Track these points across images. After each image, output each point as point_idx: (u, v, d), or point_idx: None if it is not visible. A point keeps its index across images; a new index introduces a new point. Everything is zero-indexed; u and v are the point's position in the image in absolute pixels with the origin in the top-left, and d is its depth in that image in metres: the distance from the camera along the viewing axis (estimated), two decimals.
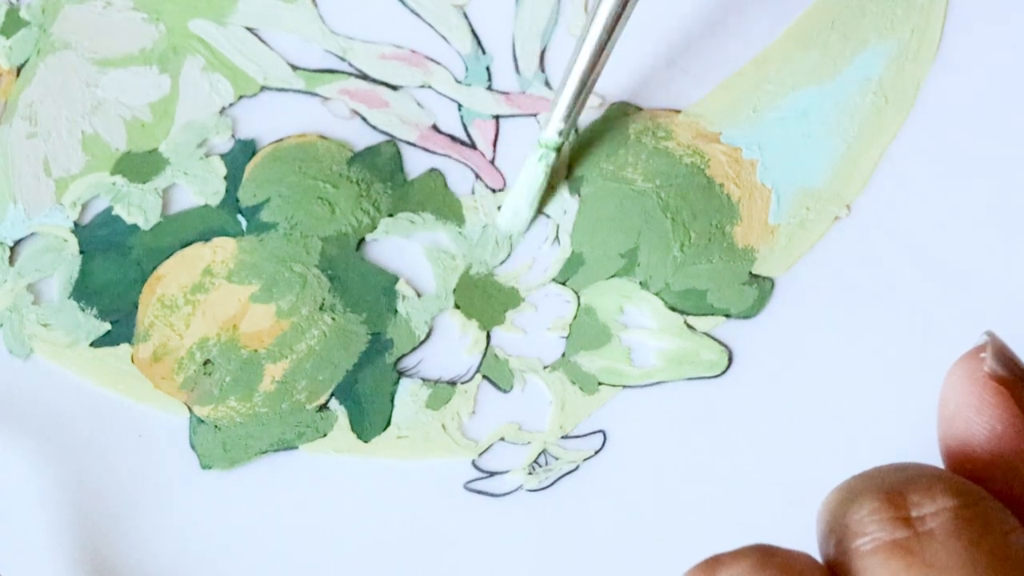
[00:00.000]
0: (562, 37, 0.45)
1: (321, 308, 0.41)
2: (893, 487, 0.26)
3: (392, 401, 0.41)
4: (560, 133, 0.42)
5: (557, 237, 0.43)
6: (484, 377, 0.41)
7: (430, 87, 0.44)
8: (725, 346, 0.41)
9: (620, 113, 0.44)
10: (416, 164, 0.43)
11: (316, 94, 0.44)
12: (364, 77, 0.44)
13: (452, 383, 0.41)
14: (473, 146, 0.44)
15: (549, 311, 0.42)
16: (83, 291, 0.42)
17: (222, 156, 0.43)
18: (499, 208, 0.43)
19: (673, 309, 0.42)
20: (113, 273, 0.42)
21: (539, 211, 0.43)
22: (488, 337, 0.42)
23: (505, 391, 0.41)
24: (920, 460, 0.27)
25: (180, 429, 0.41)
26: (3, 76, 0.44)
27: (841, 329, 0.41)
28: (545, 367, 0.41)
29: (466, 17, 0.45)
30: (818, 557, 0.27)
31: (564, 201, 0.43)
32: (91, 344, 0.41)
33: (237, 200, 0.43)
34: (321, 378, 0.41)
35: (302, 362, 0.41)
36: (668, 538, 0.39)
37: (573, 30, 0.45)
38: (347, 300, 0.42)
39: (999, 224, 0.42)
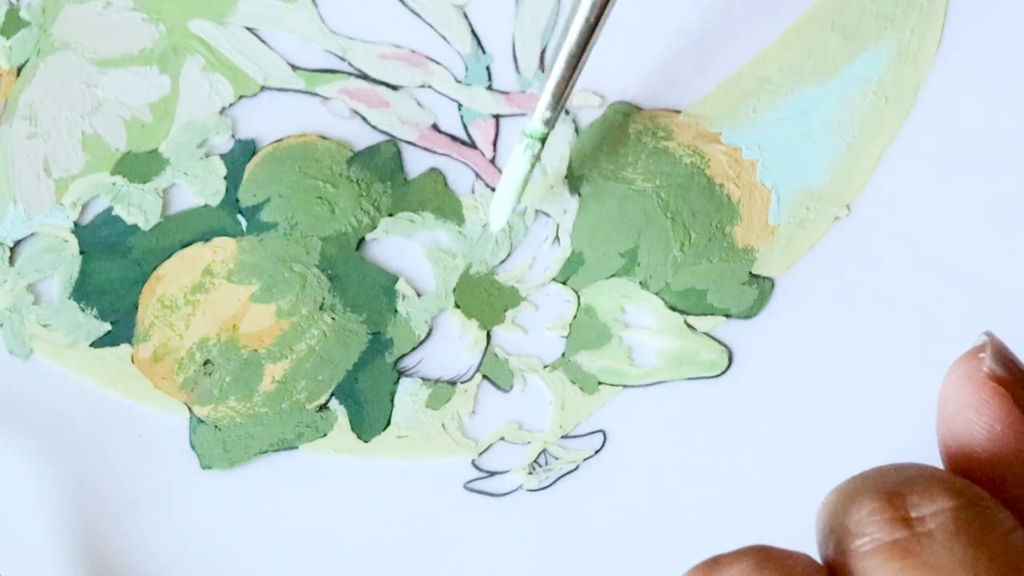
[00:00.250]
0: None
1: (321, 308, 0.41)
2: (892, 487, 0.26)
3: (392, 401, 0.41)
4: (545, 122, 0.41)
5: (557, 237, 0.43)
6: (484, 377, 0.41)
7: (430, 87, 0.44)
8: (725, 346, 0.41)
9: (620, 113, 0.44)
10: (416, 164, 0.43)
11: (316, 94, 0.44)
12: (364, 77, 0.44)
13: (452, 383, 0.41)
14: (473, 146, 0.44)
15: (549, 311, 0.42)
16: (83, 291, 0.42)
17: (222, 156, 0.43)
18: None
19: (673, 309, 0.42)
20: (113, 273, 0.42)
21: (520, 203, 0.42)
22: (488, 337, 0.42)
23: (505, 391, 0.41)
24: (920, 460, 0.27)
25: (180, 429, 0.41)
26: (3, 76, 0.44)
27: (841, 329, 0.41)
28: (545, 367, 0.41)
29: (466, 17, 0.45)
30: (817, 558, 0.27)
31: (564, 201, 0.43)
32: (91, 344, 0.41)
33: (237, 200, 0.43)
34: (321, 378, 0.41)
35: (302, 362, 0.41)
36: (668, 538, 0.39)
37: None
38: (347, 300, 0.42)
39: (999, 224, 0.42)
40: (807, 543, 0.27)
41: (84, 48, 0.44)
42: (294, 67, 0.44)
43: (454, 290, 0.42)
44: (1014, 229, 0.42)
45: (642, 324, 0.42)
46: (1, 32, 0.44)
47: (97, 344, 0.41)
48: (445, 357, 0.41)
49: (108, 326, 0.42)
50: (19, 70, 0.44)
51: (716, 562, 0.26)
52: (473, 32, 0.45)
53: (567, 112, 0.43)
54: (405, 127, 0.44)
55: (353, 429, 0.41)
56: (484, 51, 0.45)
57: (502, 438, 0.41)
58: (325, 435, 0.41)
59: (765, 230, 0.43)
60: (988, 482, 0.27)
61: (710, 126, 0.44)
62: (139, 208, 0.43)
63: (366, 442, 0.41)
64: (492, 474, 0.40)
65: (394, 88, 0.44)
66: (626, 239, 0.42)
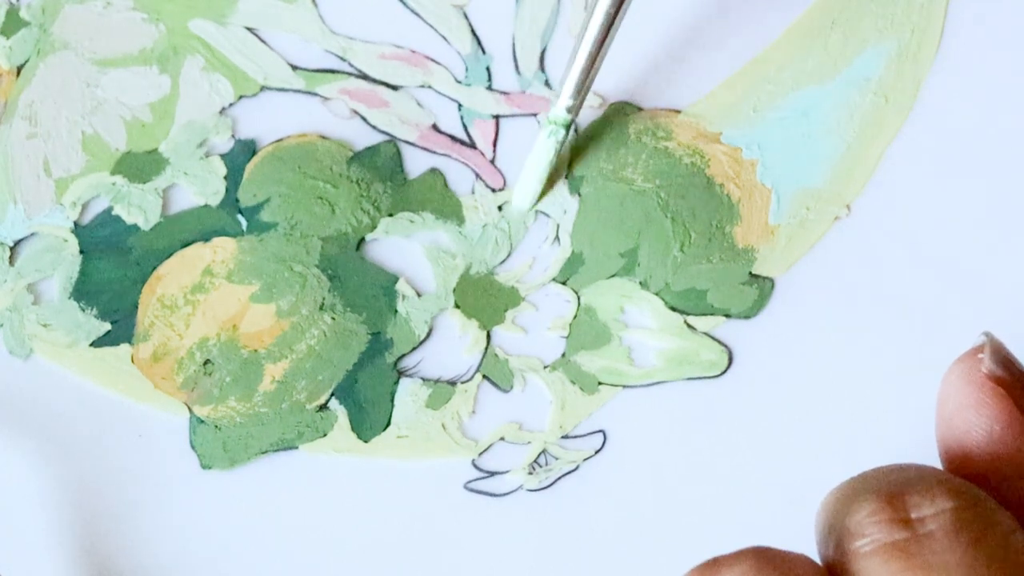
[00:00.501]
0: (562, 37, 0.45)
1: (321, 308, 0.41)
2: (892, 488, 0.26)
3: (392, 401, 0.41)
4: (569, 109, 0.42)
5: (557, 237, 0.43)
6: (484, 377, 0.41)
7: (430, 87, 0.44)
8: (725, 346, 0.41)
9: (620, 113, 0.44)
10: (416, 164, 0.43)
11: (316, 94, 0.44)
12: (364, 77, 0.44)
13: (452, 383, 0.41)
14: (473, 146, 0.44)
15: (549, 311, 0.42)
16: (83, 291, 0.42)
17: (222, 156, 0.43)
18: (500, 208, 0.43)
19: (673, 309, 0.42)
20: (113, 273, 0.42)
21: (548, 190, 0.43)
22: (488, 337, 0.42)
23: (505, 391, 0.41)
24: (920, 460, 0.27)
25: (180, 429, 0.41)
26: (3, 76, 0.44)
27: (841, 329, 0.41)
28: (545, 367, 0.41)
29: (466, 17, 0.45)
30: (817, 559, 0.27)
31: (564, 201, 0.43)
32: (91, 344, 0.41)
33: (237, 200, 0.43)
34: (321, 378, 0.41)
35: (302, 362, 0.41)
36: (668, 538, 0.39)
37: (573, 30, 0.45)
38: (347, 300, 0.42)
39: (999, 224, 0.42)
40: (807, 543, 0.27)
41: (84, 48, 0.44)
42: (294, 67, 0.44)
43: (454, 290, 0.42)
44: (1014, 229, 0.42)
45: (642, 324, 0.42)
46: (1, 32, 0.44)
47: (97, 344, 0.41)
48: (445, 357, 0.41)
49: (108, 326, 0.42)
50: (19, 70, 0.44)
51: (716, 563, 0.26)
52: (473, 32, 0.45)
53: None
54: (405, 127, 0.44)
55: (353, 429, 0.41)
56: (484, 51, 0.45)
57: (502, 438, 0.41)
58: (325, 435, 0.41)
59: (765, 230, 0.43)
60: (987, 483, 0.27)
61: (710, 126, 0.44)
62: (139, 208, 0.43)
63: (366, 442, 0.41)
64: (492, 474, 0.40)
65: (394, 88, 0.44)
66: (626, 239, 0.42)
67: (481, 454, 0.40)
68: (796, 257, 0.42)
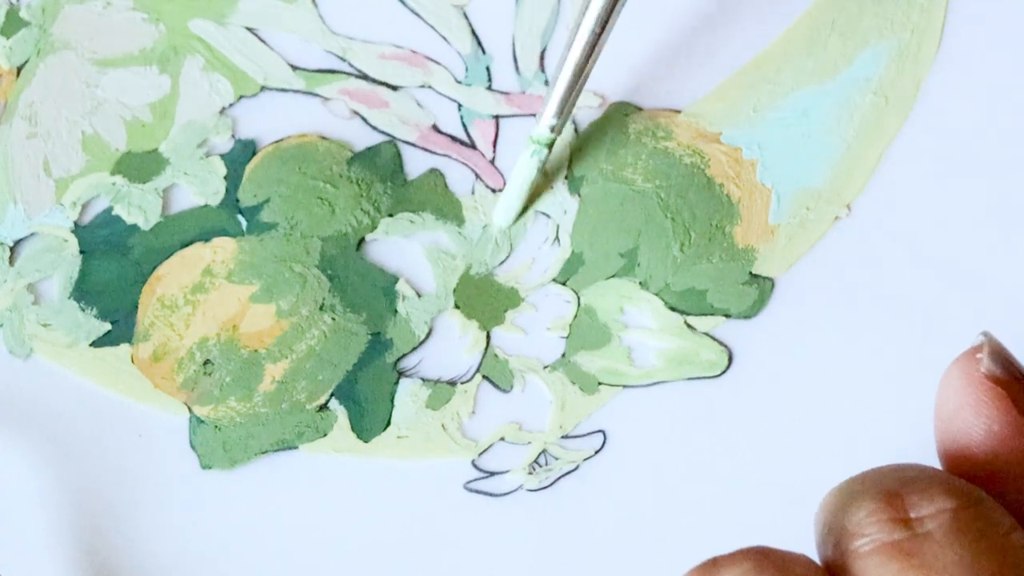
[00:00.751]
0: (562, 37, 0.45)
1: (321, 308, 0.41)
2: (891, 488, 0.26)
3: (392, 401, 0.41)
4: (552, 128, 0.42)
5: (557, 237, 0.43)
6: (484, 377, 0.41)
7: (430, 87, 0.44)
8: (725, 346, 0.41)
9: (620, 113, 0.44)
10: (416, 164, 0.43)
11: (316, 94, 0.44)
12: (364, 77, 0.44)
13: (452, 383, 0.41)
14: (473, 146, 0.44)
15: (549, 311, 0.42)
16: (83, 291, 0.42)
17: (222, 156, 0.43)
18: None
19: (673, 309, 0.42)
20: (113, 273, 0.42)
21: (529, 207, 0.43)
22: (488, 337, 0.42)
23: (505, 391, 0.41)
24: (919, 460, 0.27)
25: (180, 429, 0.41)
26: (3, 76, 0.44)
27: (841, 329, 0.41)
28: (545, 367, 0.41)
29: (466, 17, 0.45)
30: (817, 559, 0.27)
31: (564, 201, 0.43)
32: (91, 344, 0.41)
33: (237, 200, 0.43)
34: (321, 378, 0.41)
35: (302, 362, 0.41)
36: (668, 538, 0.39)
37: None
38: (347, 300, 0.42)
39: (999, 224, 0.42)
40: (807, 543, 0.27)
41: (84, 48, 0.44)
42: (294, 67, 0.44)
43: (454, 290, 0.42)
44: (1014, 229, 0.42)
45: (642, 324, 0.42)
46: (1, 32, 0.44)
47: (97, 344, 0.41)
48: (445, 357, 0.41)
49: (108, 326, 0.42)
50: (19, 70, 0.44)
51: (715, 563, 0.26)
52: (473, 32, 0.45)
53: None
54: (405, 127, 0.44)
55: (353, 429, 0.41)
56: (484, 51, 0.45)
57: (502, 438, 0.41)
58: (325, 435, 0.41)
59: (765, 230, 0.43)
60: (986, 482, 0.27)
61: (710, 126, 0.44)
62: (139, 208, 0.43)
63: (366, 442, 0.41)
64: (492, 474, 0.40)
65: (394, 88, 0.44)
66: (626, 239, 0.42)
67: (481, 454, 0.40)
68: (796, 257, 0.42)
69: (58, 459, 0.40)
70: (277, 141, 0.44)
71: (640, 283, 0.42)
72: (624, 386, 0.41)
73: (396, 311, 0.42)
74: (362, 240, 0.42)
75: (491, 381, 0.41)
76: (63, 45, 0.44)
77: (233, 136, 0.44)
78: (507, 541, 0.40)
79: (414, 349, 0.41)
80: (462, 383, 0.41)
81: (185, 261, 0.42)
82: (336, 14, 0.45)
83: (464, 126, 0.44)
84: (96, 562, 0.39)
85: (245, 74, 0.44)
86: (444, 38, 0.45)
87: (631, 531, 0.40)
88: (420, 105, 0.44)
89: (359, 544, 0.40)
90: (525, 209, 0.43)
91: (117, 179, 0.43)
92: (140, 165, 0.43)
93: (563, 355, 0.41)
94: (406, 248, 0.43)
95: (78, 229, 0.43)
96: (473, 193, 0.43)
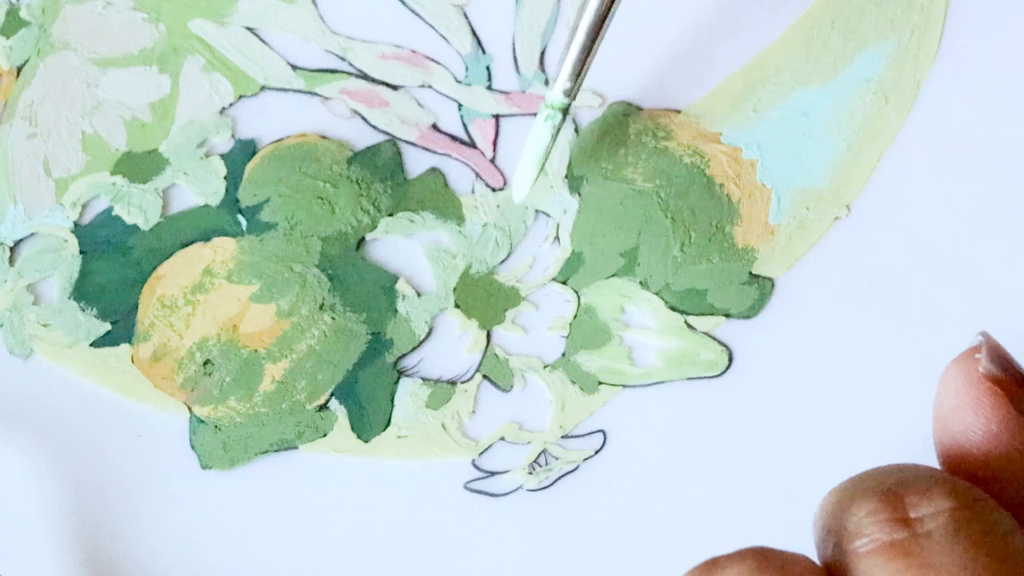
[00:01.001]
0: (562, 36, 0.45)
1: (321, 308, 0.41)
2: (891, 488, 0.26)
3: (392, 401, 0.41)
4: (566, 93, 0.41)
5: (557, 236, 0.43)
6: (484, 376, 0.41)
7: (430, 87, 0.44)
8: (725, 346, 0.41)
9: (620, 113, 0.44)
10: (416, 163, 0.43)
11: (316, 94, 0.44)
12: (364, 77, 0.44)
13: (452, 383, 0.41)
14: (473, 145, 0.44)
15: (549, 310, 0.42)
16: (83, 291, 0.42)
17: (222, 156, 0.43)
18: (498, 205, 0.43)
19: (673, 309, 0.42)
20: (113, 273, 0.42)
21: (542, 172, 0.42)
22: (488, 336, 0.42)
23: (505, 391, 0.41)
24: (919, 460, 0.27)
25: (180, 429, 0.41)
26: (3, 76, 0.44)
27: (841, 329, 0.41)
28: (545, 366, 0.41)
29: (466, 17, 0.45)
30: (816, 559, 0.27)
31: (564, 200, 0.43)
32: (91, 344, 0.41)
33: (237, 200, 0.43)
34: (321, 378, 0.41)
35: (302, 362, 0.41)
36: (668, 538, 0.39)
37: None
38: (347, 300, 0.42)
39: (999, 224, 0.42)
40: (807, 543, 0.27)
41: (84, 48, 0.44)
42: (294, 67, 0.44)
43: (454, 290, 0.42)
44: (1014, 229, 0.42)
45: (642, 324, 0.42)
46: (1, 32, 0.44)
47: (97, 344, 0.41)
48: (445, 357, 0.41)
49: (108, 326, 0.42)
50: (19, 70, 0.44)
51: (715, 563, 0.26)
52: (473, 32, 0.45)
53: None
54: (405, 127, 0.44)
55: (353, 429, 0.41)
56: (484, 51, 0.45)
57: (502, 438, 0.41)
58: (325, 435, 0.41)
59: (765, 230, 0.43)
60: (985, 482, 0.27)
61: (710, 126, 0.44)
62: (139, 208, 0.43)
63: (366, 442, 0.41)
64: (492, 474, 0.40)
65: (394, 88, 0.44)
66: (626, 239, 0.42)
67: (481, 454, 0.40)
68: (796, 257, 0.42)
69: (58, 459, 0.40)
70: (277, 141, 0.44)
71: (640, 283, 0.42)
72: (624, 386, 0.41)
73: (396, 310, 0.42)
74: (362, 240, 0.42)
75: (491, 381, 0.41)
76: (63, 45, 0.44)
77: (233, 136, 0.44)
78: (507, 541, 0.40)
79: (414, 348, 0.41)
80: (462, 383, 0.41)
81: (185, 261, 0.42)
82: (336, 14, 0.45)
83: (464, 125, 0.44)
84: (96, 562, 0.39)
85: (245, 74, 0.44)
86: (444, 38, 0.45)
87: (631, 531, 0.40)
88: (420, 105, 0.44)
89: (359, 544, 0.40)
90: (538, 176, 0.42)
91: (117, 179, 0.43)
92: (140, 165, 0.43)
93: (563, 354, 0.41)
94: (406, 247, 0.43)
95: (78, 229, 0.43)
96: (473, 192, 0.43)
